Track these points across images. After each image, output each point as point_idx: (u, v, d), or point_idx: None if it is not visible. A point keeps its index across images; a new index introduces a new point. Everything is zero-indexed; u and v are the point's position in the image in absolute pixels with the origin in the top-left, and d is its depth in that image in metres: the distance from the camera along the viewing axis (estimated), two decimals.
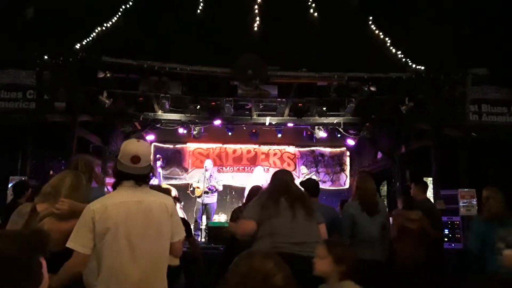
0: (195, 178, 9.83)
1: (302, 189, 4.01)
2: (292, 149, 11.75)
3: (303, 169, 10.91)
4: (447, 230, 6.70)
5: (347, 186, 11.26)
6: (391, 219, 5.85)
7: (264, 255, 1.25)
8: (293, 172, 11.54)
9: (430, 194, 7.44)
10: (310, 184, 4.50)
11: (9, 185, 6.83)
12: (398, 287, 4.64)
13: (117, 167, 2.41)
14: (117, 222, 2.27)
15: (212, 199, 9.06)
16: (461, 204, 7.01)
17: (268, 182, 3.68)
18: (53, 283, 2.16)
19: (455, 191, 7.13)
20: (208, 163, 9.72)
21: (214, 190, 9.08)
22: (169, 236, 2.47)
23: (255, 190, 4.74)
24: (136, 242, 2.29)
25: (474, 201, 6.84)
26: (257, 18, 8.31)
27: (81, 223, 2.27)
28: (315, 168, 11.46)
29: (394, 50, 8.07)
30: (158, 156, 10.35)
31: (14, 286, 1.05)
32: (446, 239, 6.58)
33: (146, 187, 2.47)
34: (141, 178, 2.42)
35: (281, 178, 3.48)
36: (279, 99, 8.67)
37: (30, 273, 1.09)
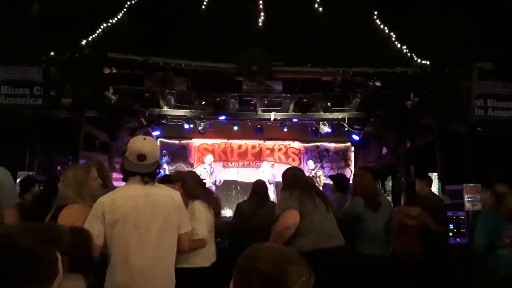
0: (200, 173, 9.90)
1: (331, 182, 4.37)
2: (297, 144, 11.77)
3: (311, 164, 10.84)
4: (452, 225, 6.69)
5: (352, 181, 11.26)
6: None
7: (294, 252, 1.26)
8: None
9: (435, 189, 7.44)
10: (338, 179, 4.88)
11: (17, 180, 6.90)
12: (398, 282, 4.67)
13: (124, 165, 2.49)
14: (126, 213, 2.36)
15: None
16: (466, 199, 6.99)
17: (282, 178, 3.64)
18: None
19: (460, 186, 7.10)
20: (209, 158, 9.80)
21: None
22: (176, 228, 2.54)
23: (259, 184, 4.77)
24: (144, 233, 2.38)
25: (479, 196, 6.82)
26: (262, 14, 8.30)
27: (92, 216, 2.37)
28: (320, 163, 11.47)
29: (399, 45, 8.04)
30: (164, 151, 10.41)
31: (29, 279, 1.07)
32: (451, 234, 6.57)
33: (153, 182, 2.54)
34: (147, 175, 2.48)
35: (300, 176, 3.58)
36: (284, 95, 8.68)
37: (46, 267, 1.12)
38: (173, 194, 2.57)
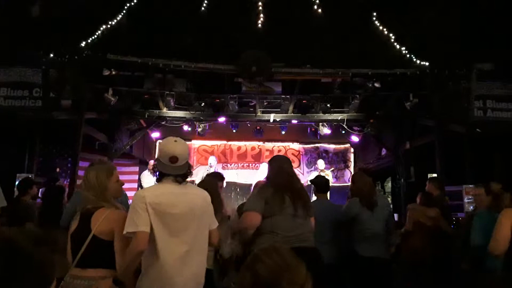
0: (200, 175, 9.88)
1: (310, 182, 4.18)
2: (296, 145, 11.77)
3: (321, 164, 10.53)
4: (452, 226, 6.69)
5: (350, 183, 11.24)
6: (396, 215, 5.86)
7: (294, 255, 1.28)
8: (298, 169, 11.59)
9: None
10: (319, 181, 4.63)
11: (16, 183, 6.90)
12: (404, 280, 4.67)
13: (158, 167, 2.57)
14: (166, 210, 2.43)
15: None
16: (465, 200, 7.00)
17: (268, 166, 3.53)
18: (120, 270, 2.32)
19: (460, 187, 7.12)
20: (212, 160, 9.78)
21: None
22: (208, 226, 2.65)
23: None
24: (182, 231, 2.46)
25: (472, 193, 6.82)
26: (261, 15, 8.31)
27: (136, 208, 2.39)
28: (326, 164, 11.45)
29: (398, 46, 8.05)
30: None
31: (31, 283, 1.07)
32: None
33: (186, 182, 2.63)
34: (180, 176, 2.57)
35: (284, 171, 3.35)
36: (283, 96, 8.69)
37: (46, 271, 1.12)
38: (205, 194, 2.70)
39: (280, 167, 3.39)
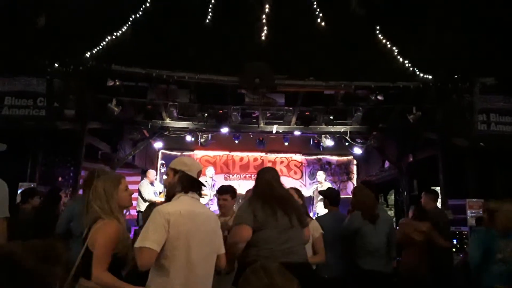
0: None
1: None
2: (299, 157, 11.75)
3: (320, 175, 10.42)
4: (455, 241, 6.64)
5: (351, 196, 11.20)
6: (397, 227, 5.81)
7: (285, 274, 1.26)
8: (300, 180, 11.56)
9: (437, 203, 7.40)
10: (330, 193, 4.71)
11: (18, 192, 6.90)
12: None
13: (184, 181, 2.58)
14: (186, 229, 2.42)
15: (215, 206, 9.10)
16: (469, 214, 6.95)
17: (256, 178, 3.42)
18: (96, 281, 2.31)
19: (463, 201, 7.08)
20: (211, 170, 9.78)
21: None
22: (217, 249, 2.65)
23: None
24: (195, 250, 2.44)
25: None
26: (265, 27, 8.37)
27: (156, 224, 2.36)
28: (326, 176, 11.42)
29: (401, 59, 8.07)
30: (161, 162, 10.43)
31: None
32: (454, 250, 6.52)
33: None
34: (201, 190, 2.66)
35: (274, 183, 3.26)
36: (286, 108, 8.70)
37: (44, 283, 1.11)
38: (215, 216, 2.75)
39: (270, 178, 3.30)
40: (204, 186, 2.71)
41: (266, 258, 2.89)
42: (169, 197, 2.65)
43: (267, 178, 3.29)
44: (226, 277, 3.52)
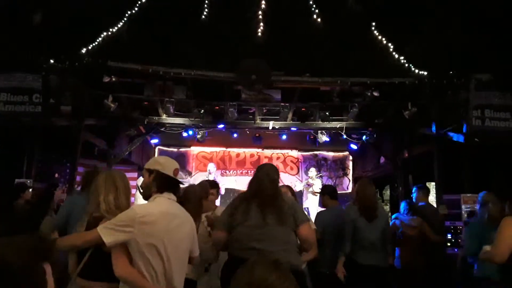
0: (199, 181, 9.85)
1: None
2: (295, 153, 11.79)
3: (312, 172, 10.51)
4: (449, 235, 6.70)
5: (349, 190, 11.28)
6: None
7: (267, 266, 1.22)
8: (296, 176, 11.61)
9: (432, 198, 7.47)
10: (328, 189, 4.90)
11: None
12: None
13: (157, 181, 2.48)
14: (160, 230, 2.32)
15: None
16: (464, 209, 7.01)
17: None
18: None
19: (458, 196, 7.13)
20: (212, 166, 9.78)
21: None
22: (190, 252, 2.59)
23: None
24: (171, 252, 2.34)
25: (477, 206, 6.84)
26: (261, 24, 8.37)
27: (123, 222, 2.27)
28: (318, 172, 11.48)
29: (397, 56, 8.11)
30: None
31: None
32: (448, 244, 6.59)
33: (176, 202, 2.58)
34: (178, 189, 2.59)
35: (257, 178, 3.19)
36: (283, 104, 8.72)
37: (32, 280, 1.11)
38: (191, 219, 2.61)
39: (256, 175, 3.24)
40: (183, 184, 2.61)
41: (238, 253, 2.89)
42: (146, 199, 2.54)
43: (258, 175, 3.20)
44: (213, 272, 3.63)
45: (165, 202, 2.45)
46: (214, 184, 4.21)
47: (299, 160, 11.82)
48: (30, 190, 6.20)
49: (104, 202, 2.51)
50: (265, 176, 3.14)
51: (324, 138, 9.70)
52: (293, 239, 2.99)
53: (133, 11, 8.58)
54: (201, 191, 3.66)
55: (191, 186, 3.84)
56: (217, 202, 4.38)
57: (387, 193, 10.94)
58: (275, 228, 2.92)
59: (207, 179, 9.13)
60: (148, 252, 2.26)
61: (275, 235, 2.91)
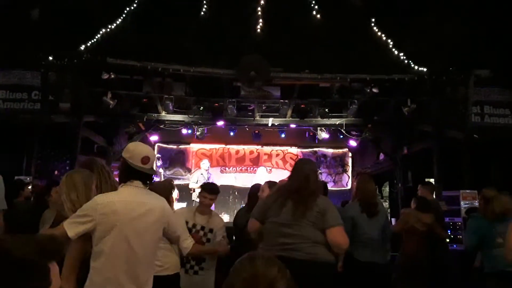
0: (195, 178, 9.86)
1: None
2: (294, 150, 11.78)
3: None
4: (449, 231, 6.72)
5: (349, 187, 11.28)
6: (393, 220, 5.86)
7: (267, 260, 1.21)
8: None
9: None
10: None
11: None
12: (401, 284, 4.71)
13: (127, 166, 2.46)
14: (121, 219, 2.32)
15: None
16: (463, 205, 7.02)
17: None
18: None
19: (457, 192, 7.14)
20: (205, 163, 9.78)
21: None
22: (160, 239, 2.57)
23: (256, 188, 4.75)
24: (134, 241, 2.34)
25: (476, 202, 6.86)
26: (260, 20, 8.35)
27: (83, 212, 2.29)
28: (317, 169, 11.48)
29: (396, 52, 8.10)
30: (157, 155, 10.42)
31: None
32: (447, 240, 6.60)
33: (147, 189, 2.55)
34: (148, 178, 2.54)
35: (300, 174, 3.14)
36: (282, 100, 8.71)
37: (36, 277, 1.11)
38: (165, 205, 2.58)
39: (297, 171, 3.21)
40: (156, 174, 2.61)
41: (267, 250, 2.87)
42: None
43: (305, 171, 3.15)
44: (209, 273, 3.68)
45: (130, 191, 2.43)
46: (214, 190, 3.93)
47: (299, 157, 11.79)
48: (30, 187, 6.19)
49: (68, 201, 2.49)
50: (312, 172, 3.18)
51: (323, 134, 9.71)
52: (321, 239, 2.95)
53: (132, 8, 8.55)
54: (171, 188, 3.64)
55: (160, 182, 3.87)
56: (213, 207, 4.23)
57: (386, 189, 10.96)
58: (305, 228, 2.93)
59: (205, 181, 9.14)
60: (110, 241, 2.26)
61: (303, 234, 2.92)
